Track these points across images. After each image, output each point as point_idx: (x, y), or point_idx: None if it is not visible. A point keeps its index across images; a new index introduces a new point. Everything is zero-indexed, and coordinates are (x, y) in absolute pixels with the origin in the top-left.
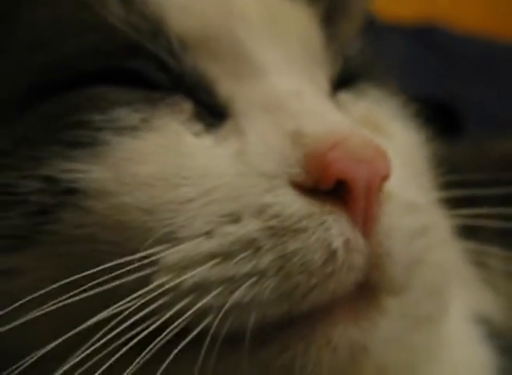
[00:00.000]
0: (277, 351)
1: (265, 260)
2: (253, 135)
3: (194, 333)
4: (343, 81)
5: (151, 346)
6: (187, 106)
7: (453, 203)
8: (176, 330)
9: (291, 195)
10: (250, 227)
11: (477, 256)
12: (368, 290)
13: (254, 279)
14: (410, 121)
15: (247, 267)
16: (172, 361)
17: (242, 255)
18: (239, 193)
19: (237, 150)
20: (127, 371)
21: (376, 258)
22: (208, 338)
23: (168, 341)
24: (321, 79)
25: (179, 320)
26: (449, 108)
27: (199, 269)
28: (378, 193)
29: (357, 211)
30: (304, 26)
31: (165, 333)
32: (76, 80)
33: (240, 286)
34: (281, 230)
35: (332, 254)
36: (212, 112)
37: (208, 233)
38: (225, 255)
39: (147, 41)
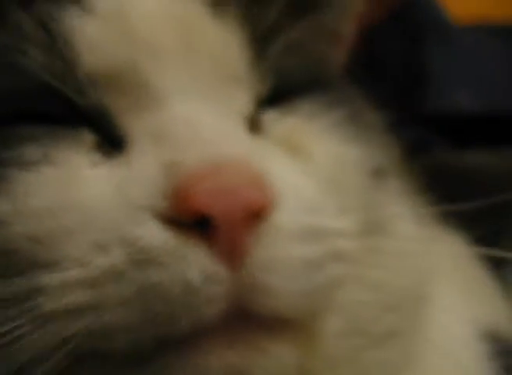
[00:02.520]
0: (152, 371)
1: (128, 290)
2: (137, 166)
3: (58, 355)
4: (278, 96)
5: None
6: (90, 138)
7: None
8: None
9: (155, 228)
10: (116, 259)
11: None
12: (255, 320)
13: (119, 306)
14: (358, 133)
15: (112, 296)
16: None
17: (108, 284)
18: (110, 225)
19: (119, 181)
20: None
21: (246, 291)
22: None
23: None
24: (240, 100)
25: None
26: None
27: (72, 296)
28: (246, 225)
29: (219, 244)
30: (224, 48)
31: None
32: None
33: (107, 312)
34: (143, 262)
35: (187, 286)
36: (113, 144)
37: (81, 263)
38: (95, 284)
39: (59, 83)
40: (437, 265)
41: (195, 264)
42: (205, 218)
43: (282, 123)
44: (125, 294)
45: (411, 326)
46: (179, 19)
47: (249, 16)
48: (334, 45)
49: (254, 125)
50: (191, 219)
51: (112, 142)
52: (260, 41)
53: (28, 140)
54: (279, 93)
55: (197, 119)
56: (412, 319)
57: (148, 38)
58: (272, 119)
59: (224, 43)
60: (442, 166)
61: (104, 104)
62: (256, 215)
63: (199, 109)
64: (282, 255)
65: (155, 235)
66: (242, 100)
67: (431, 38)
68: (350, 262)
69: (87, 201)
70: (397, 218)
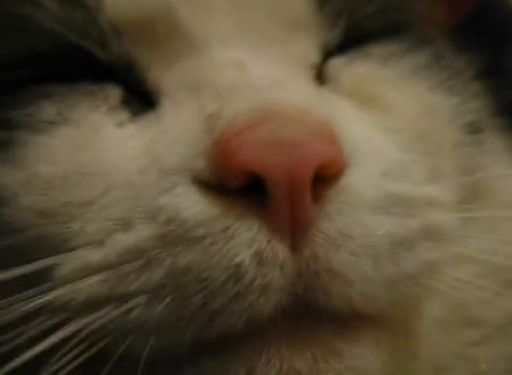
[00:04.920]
0: None
1: (157, 275)
2: (169, 123)
3: (84, 355)
4: (350, 44)
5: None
6: (115, 93)
7: None
8: (75, 351)
9: (191, 195)
10: (140, 234)
11: None
12: (324, 315)
13: (146, 297)
14: (445, 80)
15: (137, 282)
16: None
17: (130, 268)
18: (135, 193)
19: (149, 142)
20: None
21: (311, 277)
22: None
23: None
24: (302, 48)
25: (74, 341)
26: None
27: (87, 283)
28: (310, 188)
29: (276, 214)
30: None
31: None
32: (9, 83)
33: (132, 305)
34: (176, 239)
35: (236, 270)
36: (142, 100)
37: (100, 242)
38: (114, 268)
39: (79, 36)
40: None
41: (245, 242)
42: (256, 180)
43: (350, 70)
44: (152, 281)
45: None
46: None
47: None
48: None
49: (320, 75)
50: (237, 181)
51: (140, 98)
52: None
53: (41, 98)
54: (351, 40)
55: (244, 64)
56: None
57: None
58: (339, 66)
59: None
60: None
61: (132, 56)
62: (323, 176)
63: (247, 56)
64: (358, 231)
65: (191, 204)
66: (305, 48)
67: None
68: (448, 239)
69: (108, 166)
70: (499, 180)
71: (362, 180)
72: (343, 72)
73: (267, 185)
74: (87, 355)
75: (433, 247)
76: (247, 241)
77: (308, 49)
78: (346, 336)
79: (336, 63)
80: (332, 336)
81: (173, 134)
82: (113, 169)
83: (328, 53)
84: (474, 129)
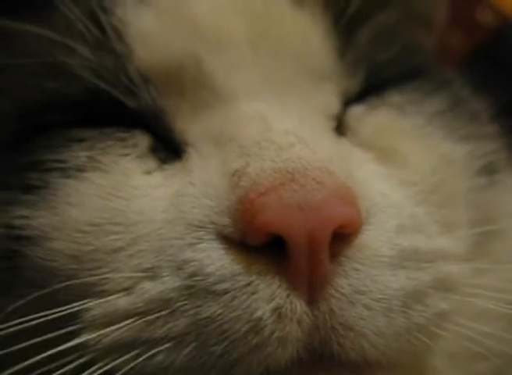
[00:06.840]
0: None
1: (181, 324)
2: (195, 175)
3: None
4: (370, 89)
5: None
6: (143, 141)
7: None
8: None
9: (215, 251)
10: (167, 285)
11: None
12: (335, 363)
13: (170, 344)
14: (461, 125)
15: (162, 330)
16: None
17: (156, 316)
18: (163, 244)
19: (175, 193)
20: None
21: (327, 330)
22: None
23: None
24: (324, 98)
25: None
26: None
27: (115, 328)
28: (329, 247)
29: (297, 271)
30: (304, 39)
31: None
32: (39, 126)
33: (156, 350)
34: (200, 291)
35: (256, 323)
36: (169, 148)
37: (128, 289)
38: (141, 315)
39: (109, 84)
40: None
41: (265, 298)
42: (278, 239)
43: (369, 119)
44: (176, 329)
45: None
46: (250, 8)
47: (331, 1)
48: (426, 31)
49: (339, 124)
50: (259, 240)
51: (168, 146)
52: (345, 29)
53: (73, 142)
54: (369, 88)
55: (268, 119)
56: None
57: (213, 29)
58: (358, 115)
59: (304, 33)
60: None
61: (160, 104)
62: (341, 234)
63: (271, 109)
64: (372, 287)
65: (215, 260)
66: (326, 98)
67: None
68: (459, 289)
69: (136, 215)
70: None
71: (378, 238)
72: (362, 122)
73: (287, 245)
74: None
75: (444, 297)
76: (267, 296)
77: (330, 99)
78: None
79: (356, 112)
80: None
81: (199, 188)
82: (141, 219)
83: (348, 101)
84: (489, 170)
